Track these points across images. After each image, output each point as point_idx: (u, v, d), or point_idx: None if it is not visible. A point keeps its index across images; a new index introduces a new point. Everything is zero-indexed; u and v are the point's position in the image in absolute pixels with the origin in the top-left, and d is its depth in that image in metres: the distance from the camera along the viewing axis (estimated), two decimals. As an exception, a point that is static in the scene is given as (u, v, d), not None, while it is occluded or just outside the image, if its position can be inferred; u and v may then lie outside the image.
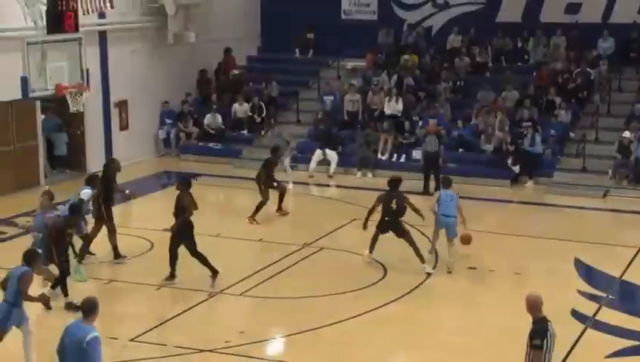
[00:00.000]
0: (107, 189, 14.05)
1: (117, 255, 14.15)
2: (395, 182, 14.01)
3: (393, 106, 21.94)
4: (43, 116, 19.74)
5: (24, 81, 15.23)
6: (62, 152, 20.37)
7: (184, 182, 13.58)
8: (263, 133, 22.73)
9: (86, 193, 13.74)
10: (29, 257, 10.21)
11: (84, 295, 8.68)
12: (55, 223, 12.16)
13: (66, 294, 12.02)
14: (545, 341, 8.02)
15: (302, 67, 25.32)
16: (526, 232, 16.74)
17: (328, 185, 20.26)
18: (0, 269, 13.89)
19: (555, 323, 11.81)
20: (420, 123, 21.26)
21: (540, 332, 8.06)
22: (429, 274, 13.62)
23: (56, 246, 12.01)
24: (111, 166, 14.78)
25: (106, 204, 14.01)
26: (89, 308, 7.90)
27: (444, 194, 14.11)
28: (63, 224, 12.22)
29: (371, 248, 13.92)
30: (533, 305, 8.18)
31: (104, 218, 13.96)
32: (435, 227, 14.14)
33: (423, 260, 13.66)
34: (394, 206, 13.65)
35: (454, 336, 11.43)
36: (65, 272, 12.13)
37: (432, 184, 18.86)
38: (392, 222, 13.74)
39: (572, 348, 11.06)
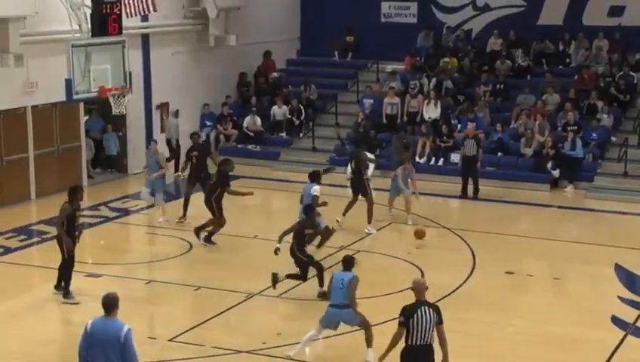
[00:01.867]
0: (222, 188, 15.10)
1: (208, 239, 15.16)
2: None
3: (432, 109, 21.89)
4: (86, 117, 20.09)
5: (68, 83, 15.54)
6: (113, 153, 20.68)
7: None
8: (301, 135, 22.84)
9: (316, 189, 14.17)
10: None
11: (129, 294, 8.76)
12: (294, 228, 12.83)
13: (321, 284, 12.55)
14: (410, 321, 8.51)
15: (341, 70, 25.36)
16: (565, 237, 16.60)
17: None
18: (43, 268, 14.24)
19: (594, 328, 11.77)
20: (459, 126, 21.18)
21: (407, 312, 8.57)
22: (466, 279, 13.54)
23: (299, 247, 12.74)
24: (225, 166, 15.52)
25: (217, 203, 15.06)
26: (112, 304, 7.92)
27: (338, 276, 10.62)
28: (301, 226, 12.86)
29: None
30: (416, 289, 8.79)
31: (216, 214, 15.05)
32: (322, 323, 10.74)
33: None
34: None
35: (491, 342, 11.38)
36: (315, 266, 12.77)
37: (471, 188, 18.80)
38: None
39: (612, 354, 10.95)
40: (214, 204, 15.11)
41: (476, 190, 18.86)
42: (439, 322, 8.65)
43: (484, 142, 20.19)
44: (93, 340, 7.86)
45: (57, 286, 12.69)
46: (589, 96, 21.58)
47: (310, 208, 13.27)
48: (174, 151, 20.90)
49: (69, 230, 12.39)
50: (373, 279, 13.57)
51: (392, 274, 13.89)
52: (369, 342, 10.39)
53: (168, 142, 21.05)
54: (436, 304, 8.86)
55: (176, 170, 20.55)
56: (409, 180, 16.83)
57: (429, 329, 8.55)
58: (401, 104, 22.27)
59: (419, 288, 8.81)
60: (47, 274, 13.72)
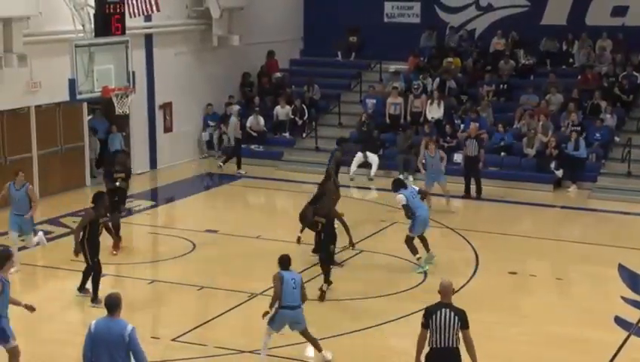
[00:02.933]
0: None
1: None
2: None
3: (435, 110, 21.89)
4: (90, 116, 20.12)
5: (72, 83, 15.56)
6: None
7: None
8: (304, 135, 22.86)
9: (401, 198, 13.99)
10: None
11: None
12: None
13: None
14: (429, 321, 8.41)
15: (344, 70, 25.38)
16: (568, 237, 16.59)
17: (369, 188, 20.28)
18: (46, 268, 14.27)
19: (597, 329, 11.76)
20: (462, 126, 21.17)
21: (427, 312, 8.48)
22: (469, 279, 13.56)
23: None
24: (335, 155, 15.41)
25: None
26: (115, 304, 7.97)
27: (288, 276, 10.48)
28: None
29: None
30: (442, 291, 8.63)
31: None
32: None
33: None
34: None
35: (494, 342, 11.37)
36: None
37: (473, 188, 18.81)
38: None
39: (615, 354, 10.94)
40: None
41: (479, 190, 18.86)
42: (463, 327, 8.40)
43: (488, 143, 20.17)
44: (97, 340, 7.89)
45: (80, 289, 12.57)
46: (593, 96, 21.56)
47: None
48: (234, 149, 21.10)
49: (90, 236, 12.21)
50: (375, 279, 13.61)
51: (394, 274, 13.88)
52: (317, 346, 10.47)
53: (228, 140, 21.51)
54: (462, 308, 8.56)
55: (239, 168, 21.02)
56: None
57: (450, 331, 8.34)
58: (405, 104, 22.27)
59: (445, 290, 8.56)
60: (50, 273, 13.77)
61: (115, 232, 14.03)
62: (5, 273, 9.28)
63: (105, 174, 17.28)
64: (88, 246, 12.21)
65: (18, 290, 13.16)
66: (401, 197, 13.98)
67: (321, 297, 12.55)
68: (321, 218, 13.23)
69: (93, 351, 7.91)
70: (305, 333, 10.46)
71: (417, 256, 13.88)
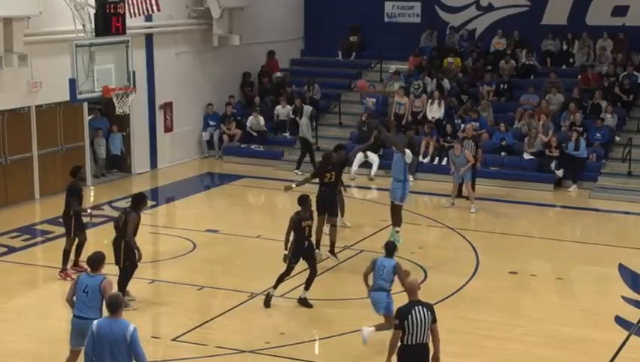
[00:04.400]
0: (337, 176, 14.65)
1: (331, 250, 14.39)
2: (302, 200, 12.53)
3: (435, 109, 21.89)
4: (91, 116, 20.12)
5: (72, 83, 15.57)
6: (117, 152, 20.72)
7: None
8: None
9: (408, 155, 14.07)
10: None
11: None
12: None
13: None
14: (405, 322, 8.53)
15: (344, 70, 25.39)
16: (569, 237, 16.59)
17: (369, 188, 20.28)
18: (47, 267, 14.27)
19: (598, 328, 11.75)
20: (462, 126, 21.17)
21: (402, 313, 8.61)
22: (469, 279, 13.56)
23: None
24: (337, 152, 14.99)
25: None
26: (117, 304, 8.02)
27: (380, 263, 11.06)
28: None
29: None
30: (409, 289, 8.85)
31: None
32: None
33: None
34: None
35: (495, 342, 11.37)
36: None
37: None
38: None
39: (616, 354, 10.94)
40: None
41: (472, 190, 18.82)
42: (434, 321, 8.71)
43: (488, 142, 20.16)
44: (99, 341, 7.92)
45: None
46: (593, 96, 21.56)
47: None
48: (307, 148, 21.05)
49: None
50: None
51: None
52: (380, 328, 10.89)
53: (301, 139, 21.40)
54: (430, 303, 8.88)
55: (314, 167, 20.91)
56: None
57: (425, 328, 8.61)
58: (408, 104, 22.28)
59: (412, 288, 8.89)
60: (51, 273, 13.76)
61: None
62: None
63: None
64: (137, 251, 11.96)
65: (19, 290, 13.20)
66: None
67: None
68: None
69: (95, 351, 7.93)
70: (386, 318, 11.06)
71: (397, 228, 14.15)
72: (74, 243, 13.43)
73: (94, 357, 7.96)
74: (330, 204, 14.41)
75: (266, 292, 12.40)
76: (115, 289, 9.06)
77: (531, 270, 14.49)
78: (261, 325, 11.88)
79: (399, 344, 8.67)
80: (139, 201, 12.29)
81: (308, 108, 22.15)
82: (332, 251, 14.25)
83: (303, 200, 12.46)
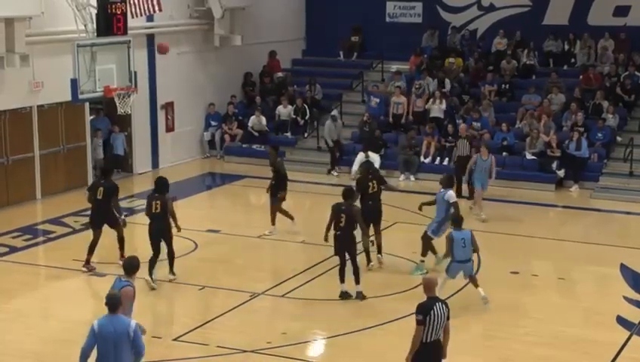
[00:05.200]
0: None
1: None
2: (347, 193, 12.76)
3: (437, 109, 21.88)
4: (92, 116, 20.14)
5: (74, 83, 15.59)
6: (119, 152, 20.74)
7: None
8: (306, 135, 22.87)
9: (452, 195, 13.71)
10: None
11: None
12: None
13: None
14: (427, 317, 8.54)
15: (346, 70, 25.38)
16: (570, 237, 16.57)
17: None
18: (48, 267, 14.29)
19: (599, 328, 11.75)
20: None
21: (424, 309, 8.59)
22: (467, 283, 13.55)
23: None
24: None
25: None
26: (116, 302, 8.11)
27: (458, 236, 12.30)
28: None
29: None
30: (427, 286, 8.82)
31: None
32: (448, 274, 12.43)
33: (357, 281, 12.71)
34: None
35: (496, 342, 11.38)
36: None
37: (465, 187, 18.80)
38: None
39: (617, 354, 10.94)
40: None
41: (471, 190, 18.82)
42: (448, 318, 8.73)
43: (490, 143, 20.13)
44: (102, 339, 8.01)
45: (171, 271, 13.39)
46: (595, 96, 21.55)
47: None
48: (331, 150, 21.21)
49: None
50: (377, 279, 13.60)
51: (395, 274, 13.87)
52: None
53: (325, 143, 21.45)
54: (445, 300, 8.93)
55: (332, 168, 21.17)
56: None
57: (441, 324, 8.63)
58: (407, 103, 22.27)
59: (430, 285, 8.82)
60: (52, 273, 13.78)
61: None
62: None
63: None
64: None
65: (20, 290, 13.22)
66: (451, 194, 13.66)
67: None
68: None
69: (98, 349, 8.01)
70: (472, 279, 12.38)
71: (423, 258, 13.77)
72: (124, 228, 13.97)
73: (98, 356, 8.03)
74: (377, 214, 14.10)
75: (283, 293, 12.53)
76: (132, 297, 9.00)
77: (533, 270, 14.49)
78: (262, 325, 11.89)
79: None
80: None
81: (334, 112, 21.93)
82: (379, 252, 14.20)
83: (349, 194, 12.74)
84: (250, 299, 12.71)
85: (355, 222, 12.57)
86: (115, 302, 8.09)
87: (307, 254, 15.12)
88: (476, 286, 12.38)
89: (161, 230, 13.14)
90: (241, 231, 16.03)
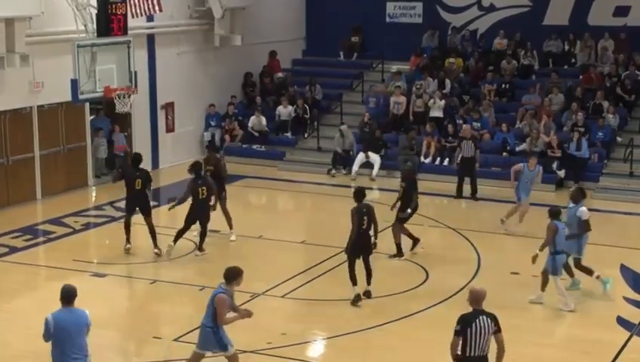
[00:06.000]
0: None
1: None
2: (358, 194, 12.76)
3: (437, 109, 21.88)
4: (92, 116, 20.14)
5: (74, 84, 15.59)
6: (120, 152, 20.70)
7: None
8: (306, 135, 22.87)
9: (584, 211, 13.42)
10: None
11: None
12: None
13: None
14: (468, 329, 8.15)
15: (346, 70, 25.39)
16: (571, 237, 16.52)
17: (371, 188, 20.24)
18: (49, 267, 14.29)
19: (599, 329, 11.74)
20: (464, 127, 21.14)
21: (463, 320, 8.23)
22: (471, 279, 13.55)
23: None
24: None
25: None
26: (73, 295, 8.34)
27: (561, 226, 12.46)
28: None
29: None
30: (473, 299, 8.36)
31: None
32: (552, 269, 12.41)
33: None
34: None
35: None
36: None
37: (467, 188, 18.78)
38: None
39: (617, 355, 10.94)
40: None
41: (474, 191, 18.83)
42: (498, 331, 8.33)
43: (490, 143, 20.15)
44: (61, 332, 8.22)
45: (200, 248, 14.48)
46: (595, 96, 21.55)
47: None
48: (341, 157, 21.21)
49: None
50: (378, 279, 13.59)
51: (396, 275, 13.88)
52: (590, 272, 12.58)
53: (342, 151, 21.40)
54: (493, 313, 8.46)
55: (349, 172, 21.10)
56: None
57: (486, 338, 8.23)
58: (407, 104, 22.27)
59: (476, 297, 8.33)
60: (52, 273, 13.78)
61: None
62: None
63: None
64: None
65: (20, 290, 13.22)
66: (584, 210, 13.29)
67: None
68: None
69: (56, 341, 8.24)
70: (578, 265, 12.79)
71: (595, 274, 13.32)
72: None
73: (53, 348, 8.30)
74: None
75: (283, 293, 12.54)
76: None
77: (533, 270, 14.45)
78: (262, 325, 11.87)
79: (458, 353, 8.25)
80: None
81: (344, 127, 21.64)
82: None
83: (361, 195, 12.87)
84: (250, 300, 12.70)
85: (373, 223, 12.60)
86: (72, 294, 8.29)
87: (307, 254, 15.13)
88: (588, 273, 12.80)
89: (204, 212, 14.34)
90: (241, 232, 16.02)
